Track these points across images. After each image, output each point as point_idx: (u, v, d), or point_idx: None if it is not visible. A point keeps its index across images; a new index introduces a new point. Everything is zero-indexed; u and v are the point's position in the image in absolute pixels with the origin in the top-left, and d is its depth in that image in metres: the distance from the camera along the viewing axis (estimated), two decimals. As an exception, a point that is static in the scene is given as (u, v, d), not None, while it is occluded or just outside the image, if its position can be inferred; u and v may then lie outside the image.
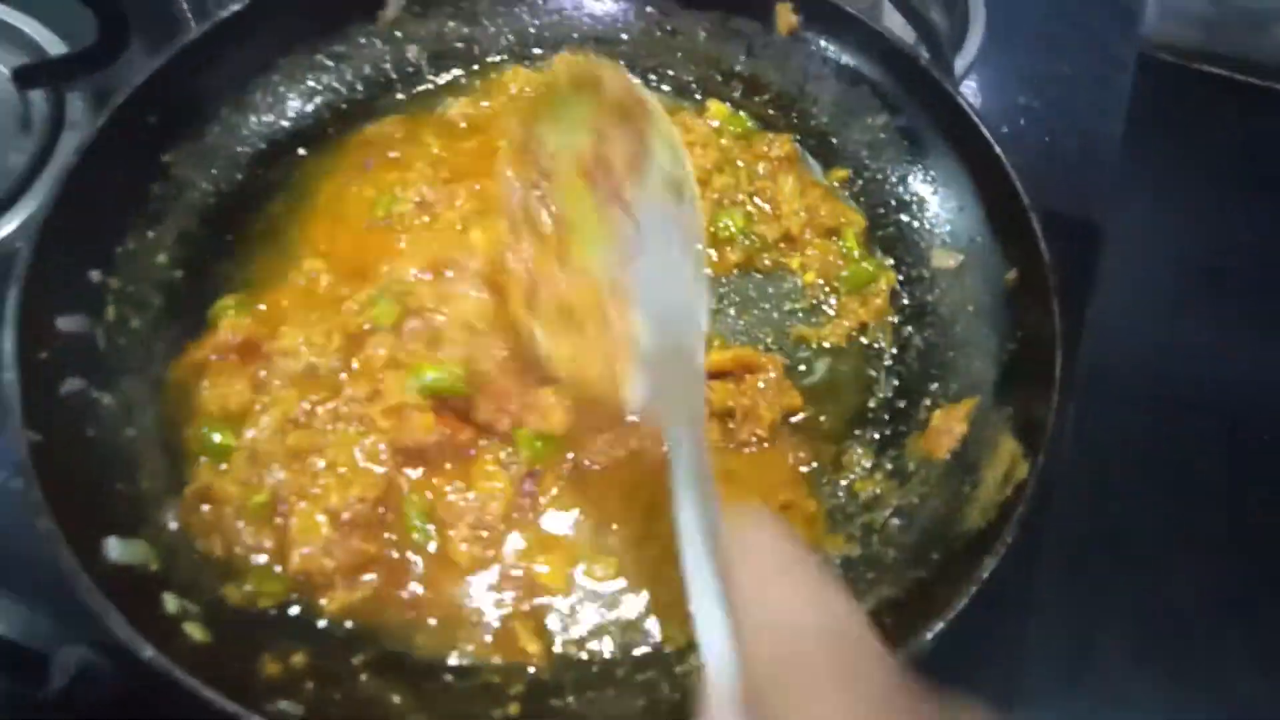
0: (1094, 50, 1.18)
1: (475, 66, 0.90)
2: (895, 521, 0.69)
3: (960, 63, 1.05)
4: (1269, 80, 1.21)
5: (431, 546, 0.66)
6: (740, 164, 0.83)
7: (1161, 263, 1.17)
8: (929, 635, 0.57)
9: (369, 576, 0.64)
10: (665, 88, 0.90)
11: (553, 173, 0.62)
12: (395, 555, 0.66)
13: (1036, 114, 1.15)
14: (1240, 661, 0.85)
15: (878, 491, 0.71)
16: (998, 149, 0.74)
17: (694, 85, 0.90)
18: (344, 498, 0.64)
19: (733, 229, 0.79)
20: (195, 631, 0.59)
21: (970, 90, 1.10)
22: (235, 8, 0.78)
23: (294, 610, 0.63)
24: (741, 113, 0.88)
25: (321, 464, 0.65)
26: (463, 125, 0.85)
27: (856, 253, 0.81)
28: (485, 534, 0.66)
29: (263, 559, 0.64)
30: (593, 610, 0.66)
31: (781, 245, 0.81)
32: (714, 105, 0.88)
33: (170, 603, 0.59)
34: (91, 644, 0.70)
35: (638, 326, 0.56)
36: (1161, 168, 1.22)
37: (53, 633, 0.71)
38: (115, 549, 0.60)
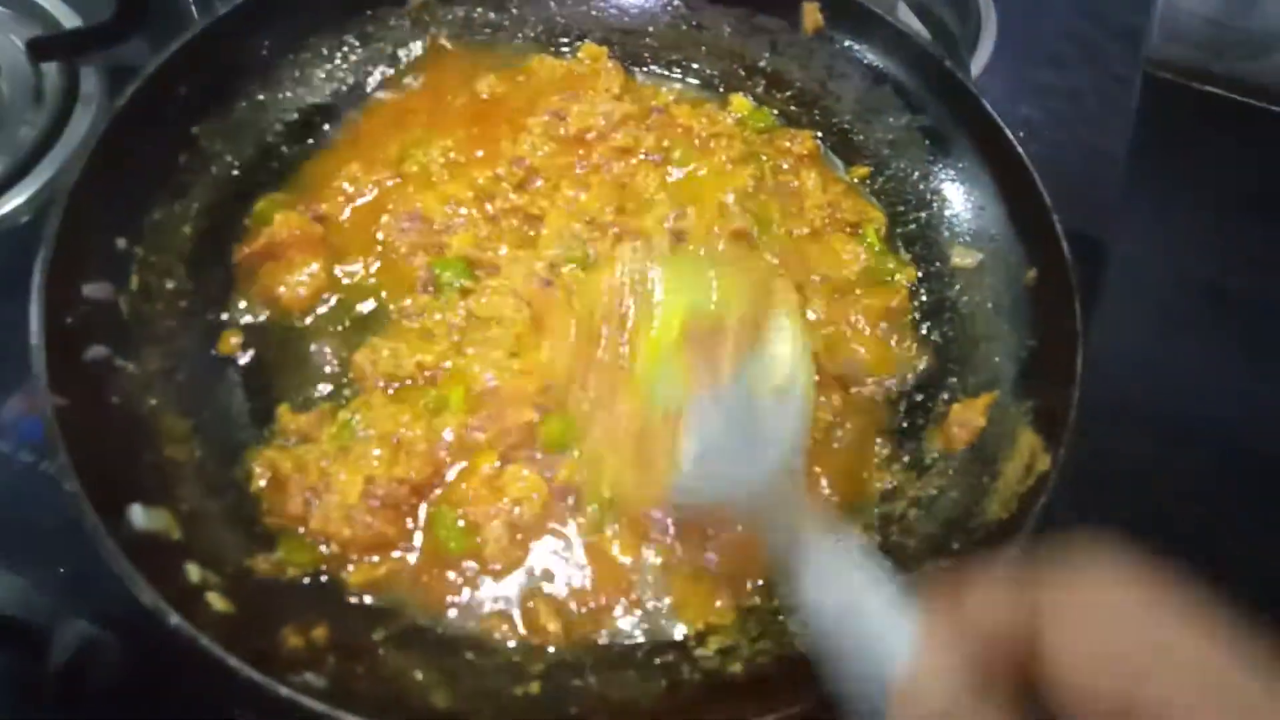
0: (1099, 67, 1.20)
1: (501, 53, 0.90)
2: (914, 512, 0.70)
3: (972, 70, 1.07)
4: (1270, 103, 1.23)
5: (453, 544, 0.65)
6: (764, 158, 0.84)
7: (1162, 280, 1.18)
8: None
9: (396, 553, 0.64)
10: (690, 80, 0.91)
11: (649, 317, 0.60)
12: (415, 544, 0.66)
13: (1040, 127, 1.16)
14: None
15: (895, 482, 0.72)
16: (1019, 150, 0.76)
17: (717, 79, 0.91)
18: (387, 474, 0.64)
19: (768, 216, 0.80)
20: (218, 601, 0.58)
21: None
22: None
23: (318, 582, 0.63)
24: (764, 108, 0.89)
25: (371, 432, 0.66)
26: (485, 97, 0.86)
27: (877, 248, 0.82)
28: (519, 536, 0.66)
29: (299, 528, 0.64)
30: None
31: (803, 240, 0.82)
32: (736, 100, 0.89)
33: (193, 572, 0.59)
34: (94, 618, 0.69)
35: (688, 453, 0.55)
36: (1163, 186, 1.24)
37: (54, 607, 0.70)
38: (139, 516, 0.59)
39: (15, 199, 0.87)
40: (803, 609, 0.46)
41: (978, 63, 1.10)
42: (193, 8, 1.09)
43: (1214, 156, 1.25)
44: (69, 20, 1.00)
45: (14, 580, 0.70)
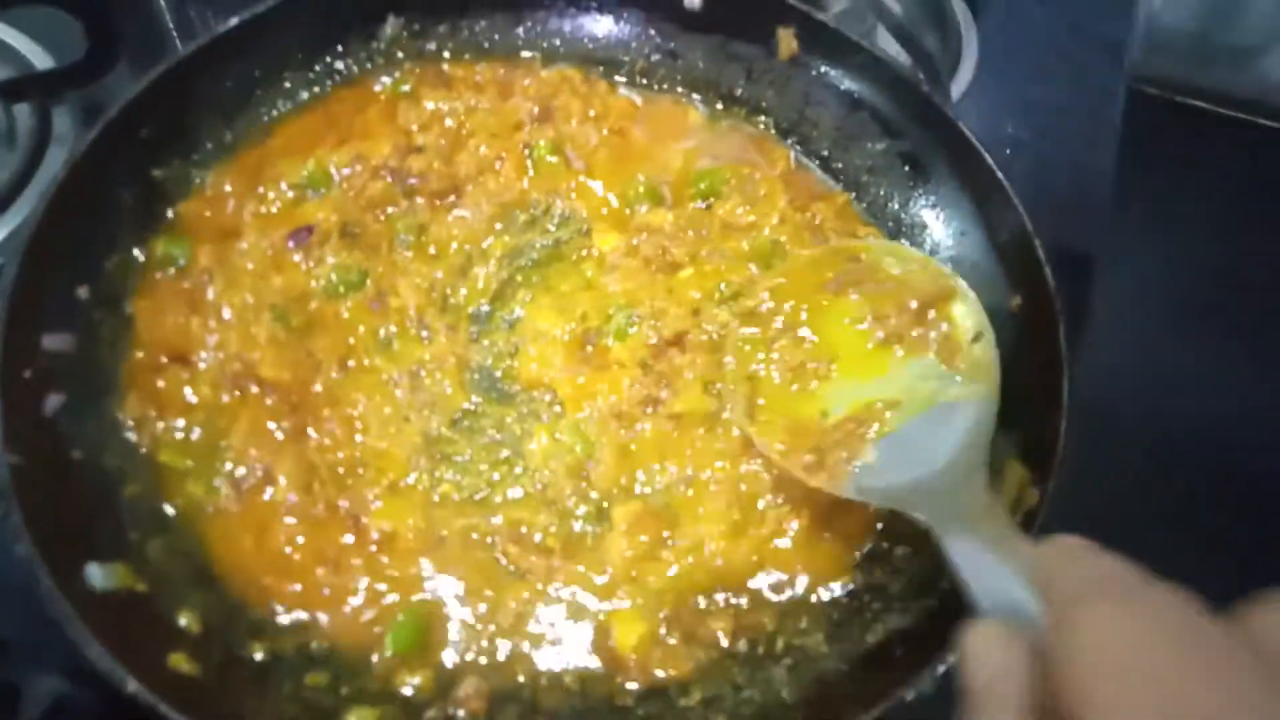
0: (1083, 82, 1.20)
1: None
2: (900, 550, 0.68)
3: (954, 90, 1.06)
4: (1254, 115, 1.22)
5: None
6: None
7: (1152, 294, 1.17)
8: (942, 667, 0.55)
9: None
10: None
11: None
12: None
13: (1026, 144, 1.16)
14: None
15: (882, 524, 0.70)
16: (1000, 174, 0.74)
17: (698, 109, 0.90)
18: None
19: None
20: (182, 663, 0.57)
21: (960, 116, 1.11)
22: (231, 23, 0.77)
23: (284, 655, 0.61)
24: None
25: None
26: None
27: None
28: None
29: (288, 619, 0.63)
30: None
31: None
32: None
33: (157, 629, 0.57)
34: (65, 674, 0.68)
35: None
36: (1151, 200, 1.23)
37: (24, 663, 0.69)
38: (97, 575, 0.58)
39: (-11, 242, 0.86)
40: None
41: (960, 82, 1.09)
42: (175, 36, 1.09)
43: (1200, 169, 1.24)
44: (40, 60, 0.99)
45: None
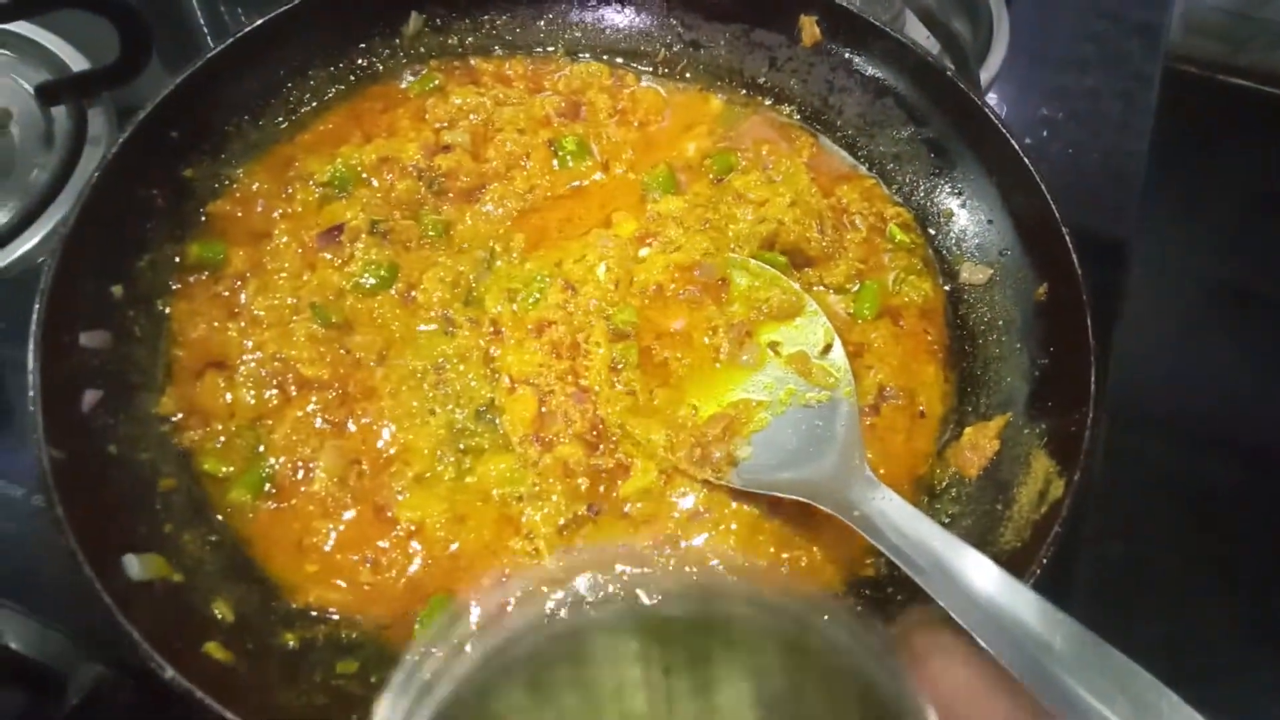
0: (1118, 66, 1.18)
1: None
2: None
3: (984, 76, 1.04)
4: (1295, 92, 1.20)
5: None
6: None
7: (1186, 281, 1.16)
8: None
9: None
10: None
11: None
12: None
13: (1059, 127, 1.14)
14: (1272, 690, 0.83)
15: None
16: (1027, 161, 0.73)
17: (718, 97, 0.89)
18: None
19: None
20: (217, 651, 0.58)
21: (993, 102, 1.10)
22: (255, 23, 0.78)
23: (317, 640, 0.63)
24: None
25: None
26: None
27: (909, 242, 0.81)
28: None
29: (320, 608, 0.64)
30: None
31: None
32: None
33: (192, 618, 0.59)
34: (108, 661, 0.70)
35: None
36: (1186, 184, 1.21)
37: (71, 650, 0.70)
38: (134, 565, 0.59)
39: (29, 241, 0.89)
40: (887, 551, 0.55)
41: (990, 67, 1.08)
42: (207, 35, 1.10)
43: (1237, 152, 1.22)
44: (76, 62, 1.01)
45: (32, 624, 0.71)
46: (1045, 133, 1.14)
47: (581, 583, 0.42)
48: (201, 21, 1.13)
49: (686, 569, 0.65)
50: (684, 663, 0.41)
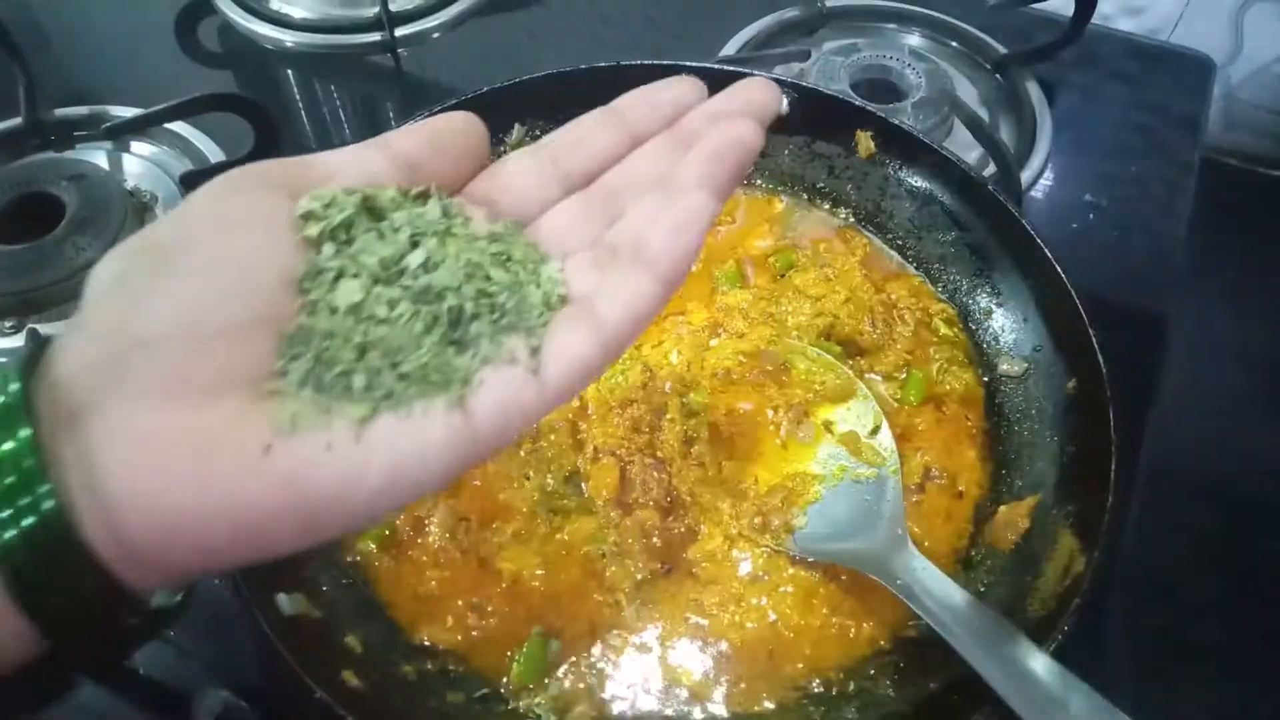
0: (1161, 156, 1.23)
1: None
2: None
3: (1026, 175, 1.12)
4: (1333, 186, 1.25)
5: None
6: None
7: (1227, 359, 1.20)
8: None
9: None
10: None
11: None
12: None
13: (1105, 211, 1.20)
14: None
15: (944, 579, 0.78)
16: (1059, 268, 0.82)
17: (782, 200, 1.00)
18: None
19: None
20: (351, 679, 0.68)
21: (1042, 187, 1.17)
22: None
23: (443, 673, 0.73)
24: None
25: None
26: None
27: (952, 336, 0.91)
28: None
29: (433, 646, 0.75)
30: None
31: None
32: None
33: (332, 649, 0.70)
34: (233, 688, 0.77)
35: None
36: (1226, 266, 1.26)
37: (197, 675, 0.78)
38: (285, 603, 0.70)
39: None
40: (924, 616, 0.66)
41: (1035, 161, 1.15)
42: (313, 143, 1.25)
43: (1277, 237, 1.27)
44: (214, 155, 1.16)
45: (162, 647, 0.79)
46: (1091, 216, 1.20)
47: None
48: (309, 132, 1.27)
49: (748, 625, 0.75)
50: None
